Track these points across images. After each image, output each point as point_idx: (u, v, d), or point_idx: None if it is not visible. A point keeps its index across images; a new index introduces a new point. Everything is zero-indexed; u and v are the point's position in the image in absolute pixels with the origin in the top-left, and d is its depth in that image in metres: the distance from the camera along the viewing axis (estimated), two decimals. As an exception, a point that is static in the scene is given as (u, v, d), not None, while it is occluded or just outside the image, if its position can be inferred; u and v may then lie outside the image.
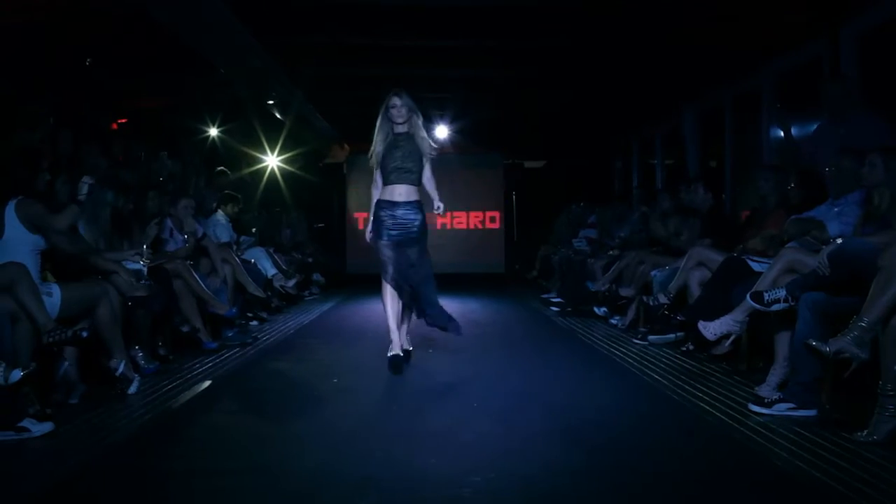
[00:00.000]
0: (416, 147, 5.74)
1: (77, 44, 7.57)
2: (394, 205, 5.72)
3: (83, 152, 7.08)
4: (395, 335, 5.78)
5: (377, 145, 5.75)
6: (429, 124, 13.90)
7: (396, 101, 5.68)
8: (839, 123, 5.89)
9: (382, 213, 5.73)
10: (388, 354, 5.67)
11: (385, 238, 5.71)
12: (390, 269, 5.72)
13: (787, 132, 6.76)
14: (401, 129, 5.74)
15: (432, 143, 5.86)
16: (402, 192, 5.72)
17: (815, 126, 6.38)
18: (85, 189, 5.14)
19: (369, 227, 5.87)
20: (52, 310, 4.48)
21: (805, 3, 6.43)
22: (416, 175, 5.76)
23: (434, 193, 5.90)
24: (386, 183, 5.76)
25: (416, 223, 5.75)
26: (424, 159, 5.79)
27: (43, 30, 6.90)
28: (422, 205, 5.82)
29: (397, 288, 5.78)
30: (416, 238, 5.75)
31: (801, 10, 6.50)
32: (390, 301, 5.81)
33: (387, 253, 5.71)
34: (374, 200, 5.85)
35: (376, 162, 5.78)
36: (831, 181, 5.13)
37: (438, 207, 5.80)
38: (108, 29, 7.29)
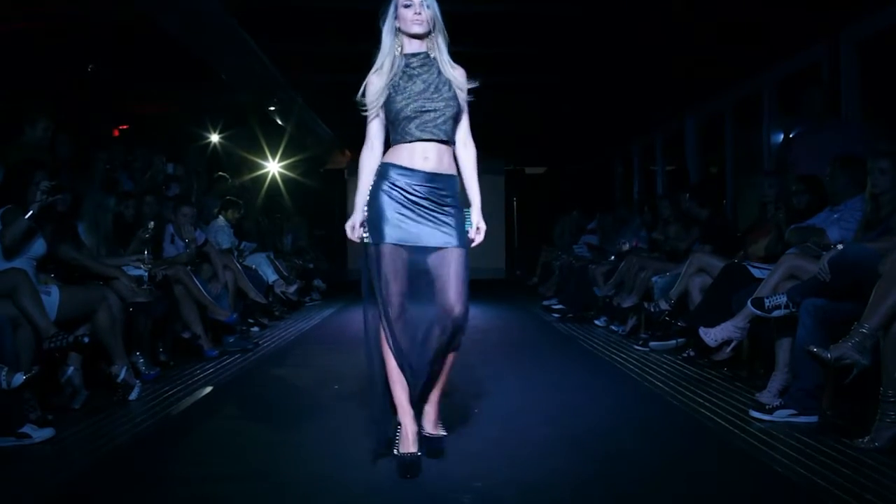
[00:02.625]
0: (444, 78, 3.41)
1: (79, 50, 7.60)
2: (414, 174, 3.38)
3: (91, 158, 7.09)
4: (406, 417, 3.44)
5: (373, 75, 3.44)
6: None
7: None
8: (817, 132, 6.01)
9: (388, 188, 3.38)
10: (397, 451, 3.41)
11: (388, 235, 3.37)
12: (394, 298, 3.39)
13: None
14: (416, 46, 3.44)
15: (466, 81, 3.50)
16: (430, 154, 3.38)
17: (793, 133, 6.49)
18: (38, 196, 4.54)
19: (355, 218, 3.45)
20: (50, 309, 4.48)
21: (805, 9, 6.45)
22: (451, 124, 3.41)
23: (473, 188, 3.54)
24: (398, 139, 3.41)
25: (451, 212, 3.43)
26: (461, 102, 3.46)
27: (45, 36, 6.94)
28: (459, 183, 3.53)
29: (397, 342, 3.40)
30: (452, 241, 3.42)
31: (801, 16, 6.52)
32: (395, 354, 3.41)
33: (389, 265, 3.37)
34: (365, 167, 3.49)
35: (374, 103, 3.42)
36: (829, 187, 5.16)
37: (473, 227, 3.54)
38: (109, 35, 7.32)
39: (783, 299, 4.34)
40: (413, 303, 3.45)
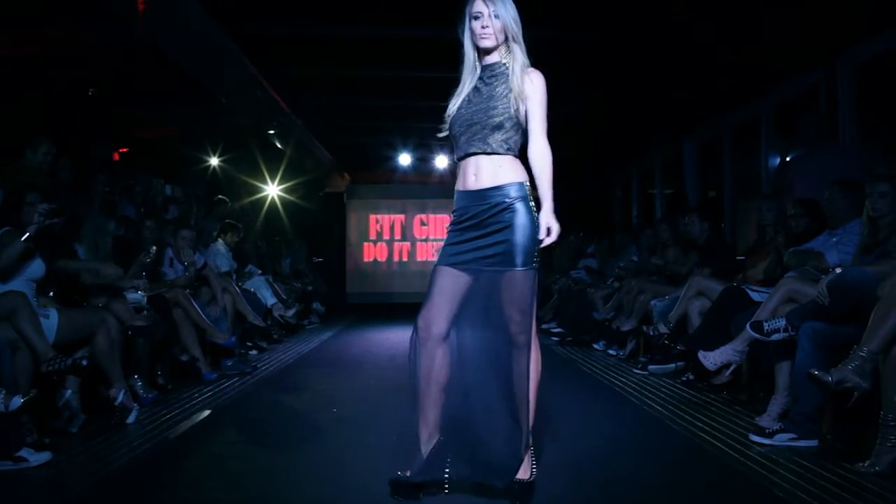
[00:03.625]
0: (505, 88, 3.24)
1: (80, 73, 7.63)
2: (467, 195, 3.29)
3: (92, 182, 7.10)
4: (423, 435, 3.31)
5: (452, 97, 3.39)
6: (430, 154, 14.11)
7: (481, 7, 3.24)
8: (813, 156, 6.06)
9: (453, 212, 3.36)
10: (401, 473, 3.32)
11: (442, 257, 3.32)
12: (421, 321, 3.26)
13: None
14: (488, 58, 3.32)
15: (541, 84, 3.28)
16: (480, 170, 3.26)
17: (790, 157, 6.53)
18: (35, 218, 4.53)
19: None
20: (48, 332, 4.48)
21: (802, 34, 6.49)
22: (500, 135, 3.24)
23: (542, 192, 3.28)
24: (456, 157, 3.40)
25: (511, 229, 3.21)
26: (522, 107, 3.25)
27: (46, 59, 6.97)
28: (526, 190, 3.29)
29: (415, 362, 3.27)
30: (509, 262, 3.19)
31: (799, 40, 6.57)
32: (425, 371, 3.26)
33: (435, 286, 3.28)
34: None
35: (447, 125, 3.38)
36: (827, 211, 5.17)
37: (543, 229, 3.21)
38: (110, 59, 7.35)
39: (782, 323, 4.34)
40: (472, 328, 3.24)
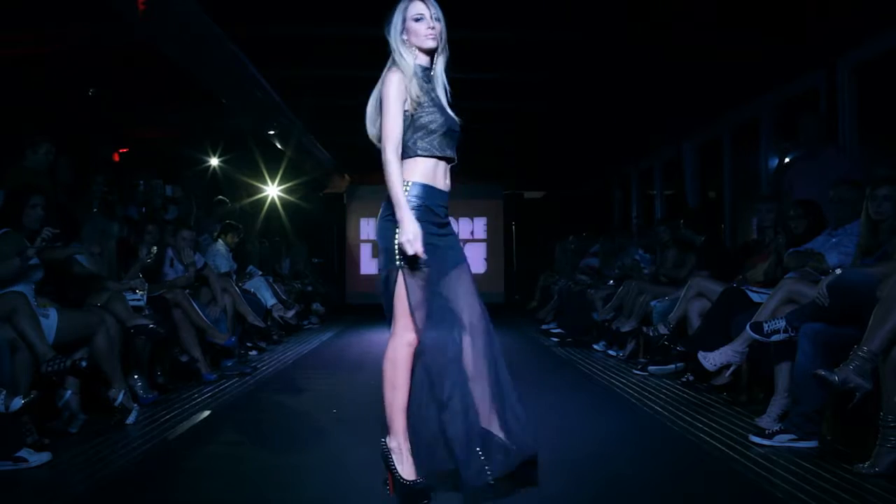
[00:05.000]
0: (446, 98, 3.33)
1: (80, 74, 7.64)
2: (441, 195, 3.29)
3: (91, 182, 7.10)
4: (402, 440, 3.38)
5: (393, 74, 3.24)
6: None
7: (422, 9, 3.23)
8: (813, 157, 6.06)
9: (423, 211, 3.22)
10: (402, 479, 3.29)
11: (435, 261, 3.22)
12: (420, 323, 3.24)
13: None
14: (425, 61, 3.31)
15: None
16: (446, 174, 3.32)
17: (789, 158, 6.54)
18: (37, 241, 4.52)
19: (416, 228, 3.13)
20: (48, 332, 4.48)
21: (802, 35, 6.49)
22: None
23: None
24: (427, 150, 3.24)
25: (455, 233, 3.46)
26: None
27: (47, 60, 6.97)
28: None
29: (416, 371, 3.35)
30: (464, 256, 3.41)
31: (799, 41, 6.56)
32: (417, 380, 3.38)
33: (422, 290, 3.22)
34: (396, 184, 3.20)
35: (397, 99, 3.20)
36: (835, 210, 5.16)
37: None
38: (110, 59, 7.36)
39: (782, 324, 4.33)
40: (451, 328, 3.28)
